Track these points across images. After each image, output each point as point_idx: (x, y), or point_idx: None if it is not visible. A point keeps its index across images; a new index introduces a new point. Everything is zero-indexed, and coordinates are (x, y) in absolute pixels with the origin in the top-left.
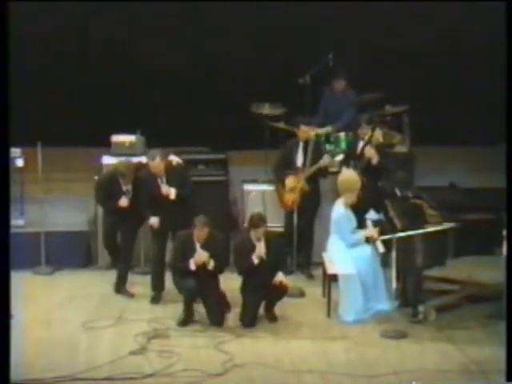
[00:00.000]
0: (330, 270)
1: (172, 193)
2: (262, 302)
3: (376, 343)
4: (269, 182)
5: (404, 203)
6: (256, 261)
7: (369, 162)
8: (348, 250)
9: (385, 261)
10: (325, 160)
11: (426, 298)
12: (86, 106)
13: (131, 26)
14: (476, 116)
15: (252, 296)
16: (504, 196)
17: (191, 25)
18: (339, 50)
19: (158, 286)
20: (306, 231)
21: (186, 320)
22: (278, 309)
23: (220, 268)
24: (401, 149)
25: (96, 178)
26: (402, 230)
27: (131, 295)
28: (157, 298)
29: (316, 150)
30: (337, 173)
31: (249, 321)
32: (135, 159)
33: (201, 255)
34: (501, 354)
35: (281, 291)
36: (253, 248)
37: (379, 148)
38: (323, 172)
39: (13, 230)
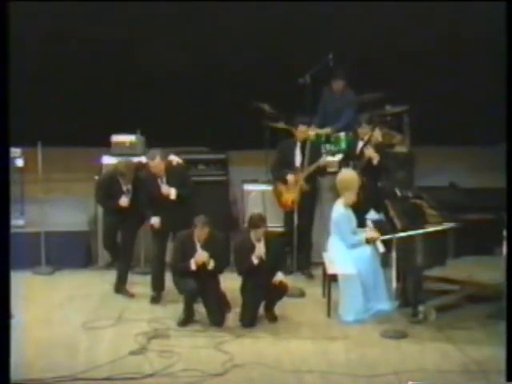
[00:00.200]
0: (330, 270)
1: (172, 193)
2: (261, 302)
3: (376, 343)
4: (269, 182)
5: (404, 203)
6: (256, 261)
7: (369, 162)
8: (348, 250)
9: (385, 261)
10: (324, 159)
11: (426, 298)
12: (86, 106)
13: (131, 26)
14: (476, 116)
15: (252, 296)
16: (504, 196)
17: (191, 25)
18: (339, 50)
19: (158, 286)
20: (306, 231)
21: (186, 320)
22: (278, 309)
23: (220, 268)
24: (401, 149)
25: (96, 177)
26: (402, 230)
27: (131, 295)
28: (157, 298)
29: (314, 149)
30: (336, 172)
31: (249, 321)
32: (135, 159)
33: (201, 255)
34: (501, 354)
35: (281, 291)
36: (253, 248)
37: (379, 148)
38: (322, 171)
39: (13, 230)
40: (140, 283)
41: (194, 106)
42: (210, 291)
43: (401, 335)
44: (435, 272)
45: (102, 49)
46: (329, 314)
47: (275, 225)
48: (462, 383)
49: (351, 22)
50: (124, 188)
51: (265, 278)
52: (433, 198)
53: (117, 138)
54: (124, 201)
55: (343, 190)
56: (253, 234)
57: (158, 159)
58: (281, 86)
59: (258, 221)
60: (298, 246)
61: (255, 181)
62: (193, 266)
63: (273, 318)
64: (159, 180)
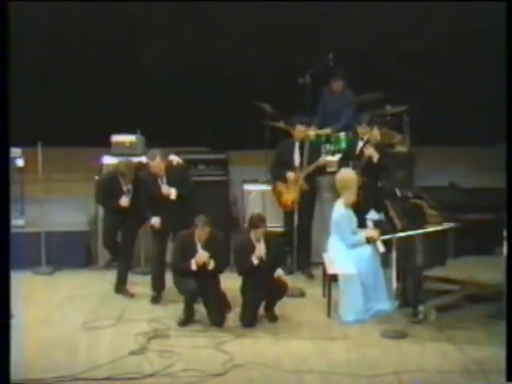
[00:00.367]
0: (330, 270)
1: (172, 193)
2: (261, 302)
3: (376, 343)
4: (269, 182)
5: (404, 203)
6: (256, 261)
7: (368, 161)
8: (348, 250)
9: (385, 261)
10: (323, 159)
11: (426, 298)
12: (86, 106)
13: (131, 26)
14: (476, 116)
15: (252, 296)
16: (504, 196)
17: (191, 25)
18: (339, 49)
19: (158, 286)
20: (306, 230)
21: (187, 320)
22: (278, 309)
23: (220, 268)
24: (401, 149)
25: (96, 177)
26: (403, 230)
27: (131, 295)
28: (157, 297)
29: (313, 149)
30: (335, 172)
31: (249, 321)
32: (135, 159)
33: (202, 255)
34: (501, 354)
35: (281, 291)
36: (252, 248)
37: (378, 146)
38: (321, 171)
39: (13, 230)
40: (140, 283)
41: (194, 106)
42: (210, 291)
43: (401, 335)
44: (435, 272)
45: (102, 49)
46: (329, 314)
47: (275, 225)
48: (461, 383)
49: (351, 21)
50: (124, 188)
51: (265, 277)
52: (433, 198)
53: (117, 138)
54: (124, 201)
55: (342, 189)
56: (253, 234)
57: (158, 159)
58: (281, 86)
59: (257, 221)
60: (298, 245)
61: (255, 181)
62: (193, 266)
63: (273, 318)
64: (159, 180)
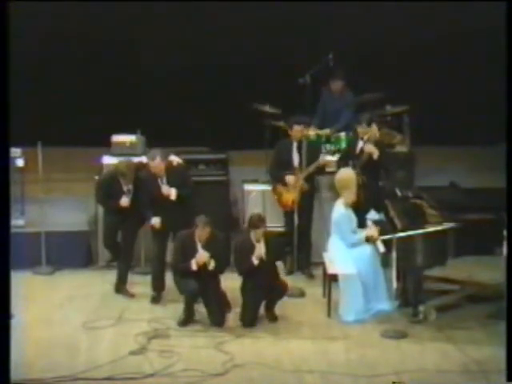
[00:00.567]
0: (331, 270)
1: (172, 193)
2: (262, 302)
3: (376, 343)
4: (269, 182)
5: (404, 203)
6: (256, 261)
7: (368, 160)
8: (348, 250)
9: (385, 261)
10: (323, 158)
11: (426, 298)
12: (86, 106)
13: (131, 26)
14: (476, 116)
15: (252, 296)
16: (504, 196)
17: (191, 25)
18: (339, 49)
19: (158, 286)
20: (306, 230)
21: (187, 320)
22: (278, 309)
23: (221, 268)
24: (401, 149)
25: (96, 177)
26: (403, 230)
27: (131, 295)
28: (157, 297)
29: (311, 149)
30: (334, 172)
31: (249, 321)
32: (136, 159)
33: (202, 255)
34: (501, 354)
35: (281, 291)
36: (252, 249)
37: (378, 144)
38: (321, 171)
39: (13, 230)
40: (140, 283)
41: (193, 106)
42: (210, 291)
43: (401, 335)
44: (435, 272)
45: (102, 49)
46: (329, 314)
47: (275, 225)
48: (461, 383)
49: (351, 22)
50: (124, 188)
51: (265, 277)
52: (433, 197)
53: (117, 138)
54: (125, 201)
55: (342, 189)
56: (253, 235)
57: (158, 159)
58: (281, 86)
59: (257, 221)
60: (298, 245)
61: (255, 181)
62: (194, 266)
63: (273, 318)
64: (159, 180)
